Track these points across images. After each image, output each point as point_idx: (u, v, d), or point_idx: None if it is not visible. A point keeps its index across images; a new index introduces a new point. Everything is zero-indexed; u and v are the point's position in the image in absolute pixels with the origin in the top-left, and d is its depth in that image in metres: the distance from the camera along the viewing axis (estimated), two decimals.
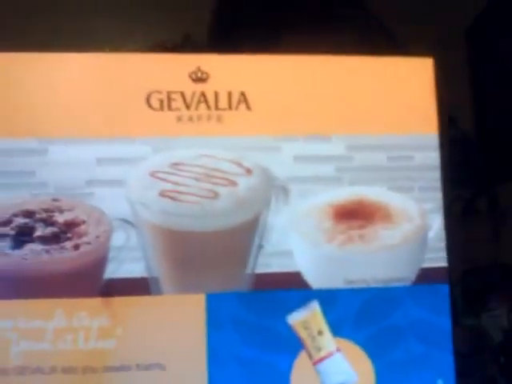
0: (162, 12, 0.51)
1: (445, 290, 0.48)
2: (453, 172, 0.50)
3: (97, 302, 0.44)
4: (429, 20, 0.52)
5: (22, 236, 0.44)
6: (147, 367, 0.44)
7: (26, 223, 0.45)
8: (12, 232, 0.44)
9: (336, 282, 0.47)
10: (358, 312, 0.47)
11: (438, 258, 0.49)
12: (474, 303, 0.51)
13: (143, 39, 0.50)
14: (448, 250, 0.49)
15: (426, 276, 0.48)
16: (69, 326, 0.44)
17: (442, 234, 0.49)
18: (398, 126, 0.50)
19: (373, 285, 0.47)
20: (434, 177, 0.50)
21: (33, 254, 0.44)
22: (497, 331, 0.51)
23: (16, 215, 0.45)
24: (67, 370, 0.43)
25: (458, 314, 0.48)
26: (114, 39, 0.49)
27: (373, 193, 0.49)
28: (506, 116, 0.54)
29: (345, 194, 0.49)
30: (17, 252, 0.44)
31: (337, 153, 0.49)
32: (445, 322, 0.48)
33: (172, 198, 0.46)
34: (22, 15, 0.49)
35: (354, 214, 0.48)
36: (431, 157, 0.50)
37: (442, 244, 0.49)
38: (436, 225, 0.49)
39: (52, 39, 0.48)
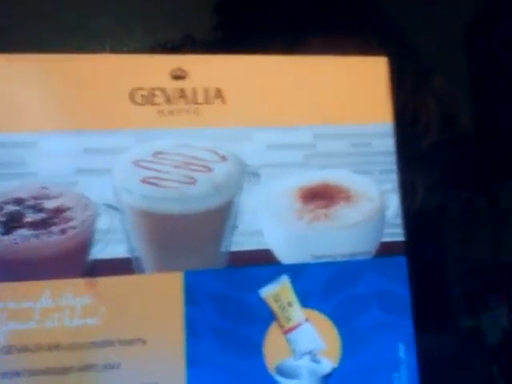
0: (161, 12, 0.37)
1: (402, 261, 0.35)
2: (406, 157, 0.36)
3: (82, 282, 0.31)
4: (383, 19, 0.38)
5: (12, 222, 0.31)
6: (129, 342, 0.31)
7: (16, 210, 0.31)
8: (2, 218, 0.31)
9: (304, 258, 0.34)
10: (324, 284, 0.34)
11: (395, 233, 0.35)
12: (473, 303, 0.36)
13: (143, 39, 0.36)
14: (404, 225, 0.35)
15: (386, 249, 0.35)
16: (55, 305, 0.30)
17: (399, 212, 0.36)
18: (358, 117, 0.37)
19: (338, 259, 0.34)
20: (391, 161, 0.36)
21: (22, 239, 0.31)
22: (497, 331, 0.36)
23: (6, 203, 0.32)
24: (53, 347, 0.30)
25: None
26: (113, 39, 0.36)
27: (337, 176, 0.36)
28: (505, 115, 0.39)
29: (312, 177, 0.36)
30: (7, 237, 0.31)
31: (304, 141, 0.36)
32: (404, 291, 0.34)
33: (153, 184, 0.33)
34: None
35: (320, 195, 0.35)
36: (387, 143, 0.37)
37: (399, 220, 0.35)
38: (393, 203, 0.36)
39: (51, 39, 0.34)
